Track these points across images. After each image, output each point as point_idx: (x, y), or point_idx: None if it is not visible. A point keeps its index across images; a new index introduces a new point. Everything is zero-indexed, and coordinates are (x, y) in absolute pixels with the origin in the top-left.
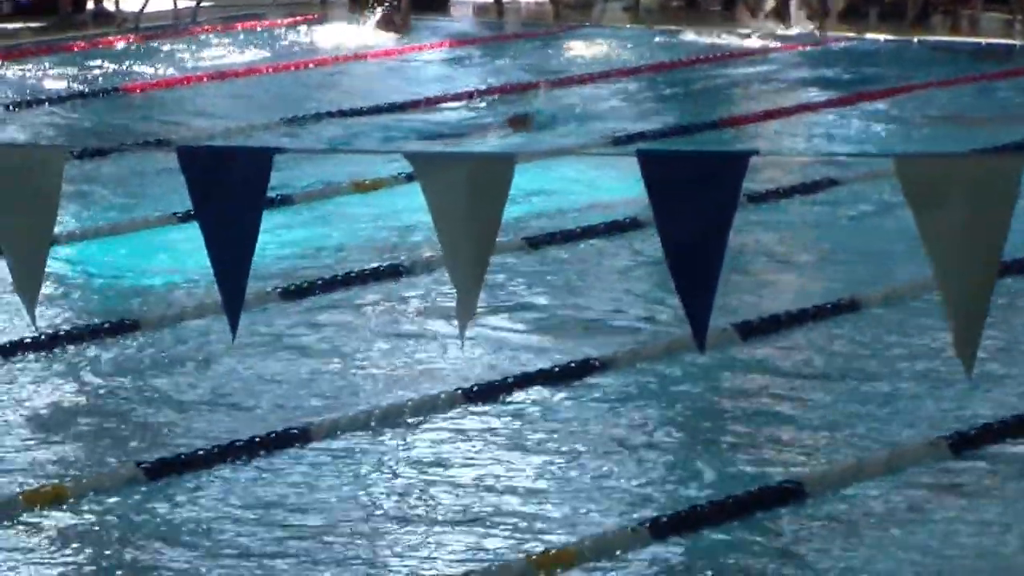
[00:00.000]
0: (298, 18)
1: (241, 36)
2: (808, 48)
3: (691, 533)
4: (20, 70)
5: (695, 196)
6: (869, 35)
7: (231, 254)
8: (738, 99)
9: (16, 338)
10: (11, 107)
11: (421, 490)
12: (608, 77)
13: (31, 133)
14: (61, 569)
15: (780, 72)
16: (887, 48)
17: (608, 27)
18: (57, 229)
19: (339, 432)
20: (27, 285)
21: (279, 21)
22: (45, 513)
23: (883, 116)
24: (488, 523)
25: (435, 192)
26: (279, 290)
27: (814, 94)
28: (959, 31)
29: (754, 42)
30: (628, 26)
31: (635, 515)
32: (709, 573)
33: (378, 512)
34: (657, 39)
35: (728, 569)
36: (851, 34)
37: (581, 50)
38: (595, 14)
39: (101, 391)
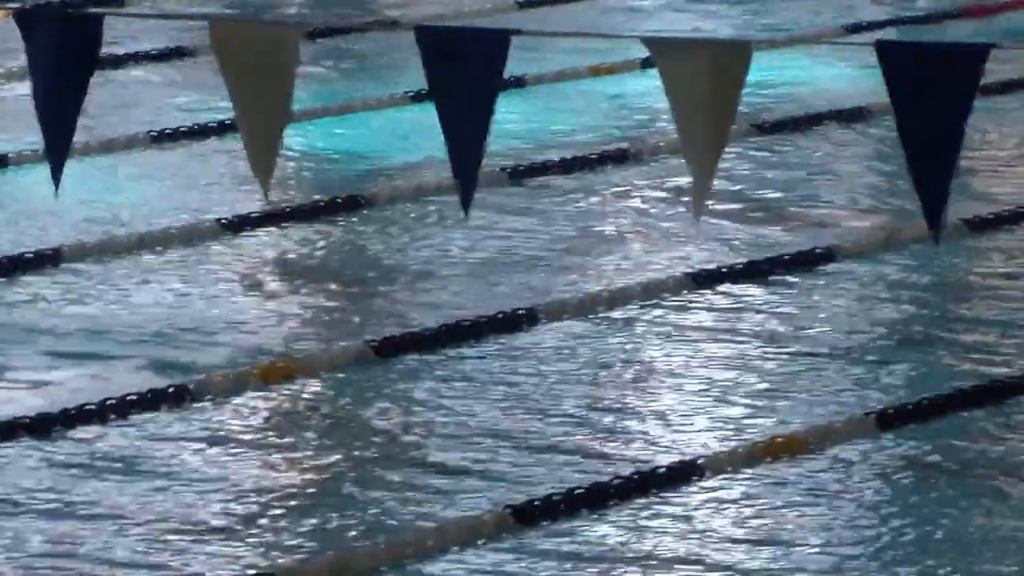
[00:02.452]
0: None
1: None
2: None
3: (918, 425)
4: None
5: (934, 88)
6: None
7: (465, 135)
8: None
9: (248, 213)
10: None
11: (646, 374)
12: None
13: (267, 9)
14: (292, 445)
15: None
16: None
17: None
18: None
19: (567, 314)
20: (262, 161)
21: None
22: (278, 388)
23: None
24: (711, 411)
25: (673, 77)
26: (507, 171)
27: None
28: None
29: None
30: None
31: (861, 406)
32: (934, 467)
33: (600, 398)
34: None
35: (955, 463)
36: None
37: None
38: None
39: (332, 268)
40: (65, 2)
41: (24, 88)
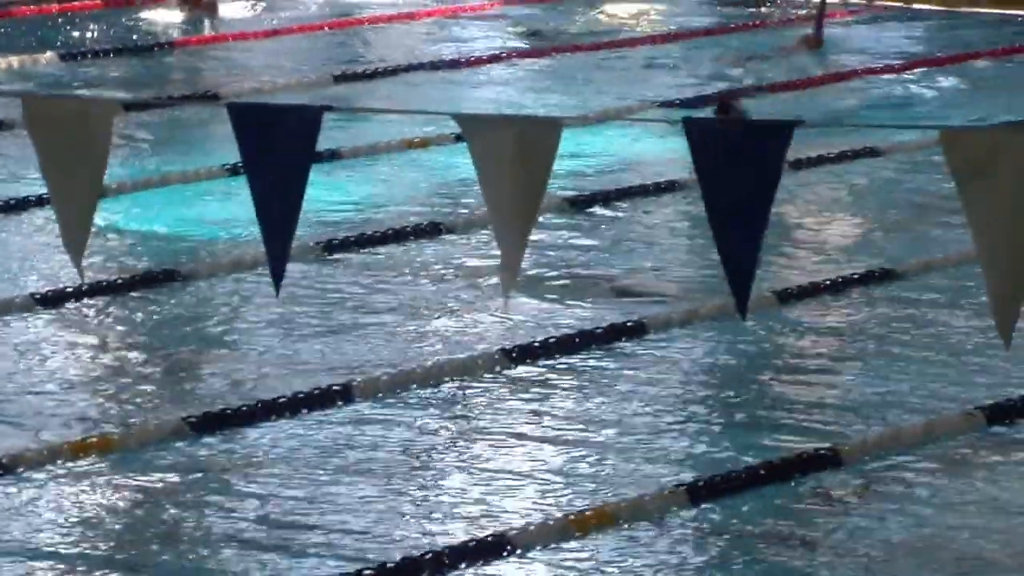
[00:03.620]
0: None
1: None
2: (857, 15)
3: (727, 498)
4: (74, 22)
5: (740, 164)
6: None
7: (278, 209)
8: (785, 64)
9: (63, 288)
10: (64, 58)
11: (460, 449)
12: (662, 41)
13: (83, 85)
14: (105, 519)
15: (832, 38)
16: (938, 17)
17: None
18: (106, 180)
19: (380, 391)
20: (75, 237)
21: None
22: (90, 463)
23: (933, 85)
24: (525, 482)
25: (482, 153)
26: (323, 245)
27: (864, 60)
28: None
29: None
30: None
31: (672, 478)
32: (744, 538)
33: (413, 474)
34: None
35: (763, 534)
36: (900, 3)
37: (620, 12)
38: None
39: (147, 344)
40: None
41: None
